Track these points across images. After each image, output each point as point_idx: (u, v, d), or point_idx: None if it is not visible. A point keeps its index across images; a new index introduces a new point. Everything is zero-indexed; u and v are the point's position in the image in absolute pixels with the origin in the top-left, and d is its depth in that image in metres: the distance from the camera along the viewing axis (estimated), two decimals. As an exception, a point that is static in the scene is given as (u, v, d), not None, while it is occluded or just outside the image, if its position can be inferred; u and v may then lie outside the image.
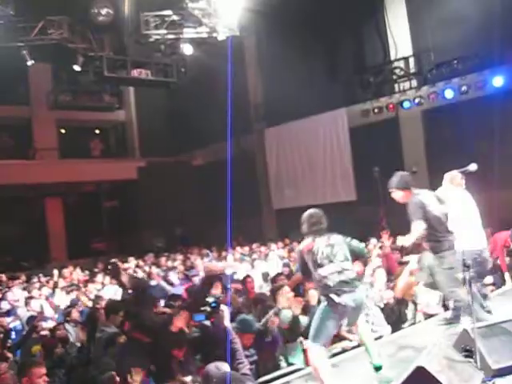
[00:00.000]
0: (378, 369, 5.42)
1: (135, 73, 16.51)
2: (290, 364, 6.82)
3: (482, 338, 5.00)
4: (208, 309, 5.63)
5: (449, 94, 16.71)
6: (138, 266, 15.89)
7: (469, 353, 4.94)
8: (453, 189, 7.20)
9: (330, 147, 19.96)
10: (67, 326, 8.71)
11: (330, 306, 5.29)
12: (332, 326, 5.37)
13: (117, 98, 24.47)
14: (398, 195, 6.48)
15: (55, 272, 15.15)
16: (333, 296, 5.25)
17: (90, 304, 10.43)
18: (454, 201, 6.98)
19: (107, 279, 13.26)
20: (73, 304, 10.37)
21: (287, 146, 21.44)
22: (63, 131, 25.02)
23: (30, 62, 16.09)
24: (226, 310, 5.44)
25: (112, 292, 11.55)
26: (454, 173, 7.17)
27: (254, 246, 17.29)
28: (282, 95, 18.70)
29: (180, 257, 17.24)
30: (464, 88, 16.39)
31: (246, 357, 6.05)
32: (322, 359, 5.31)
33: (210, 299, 5.94)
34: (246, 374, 5.10)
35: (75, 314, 9.23)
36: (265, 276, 11.73)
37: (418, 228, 6.06)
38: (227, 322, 5.12)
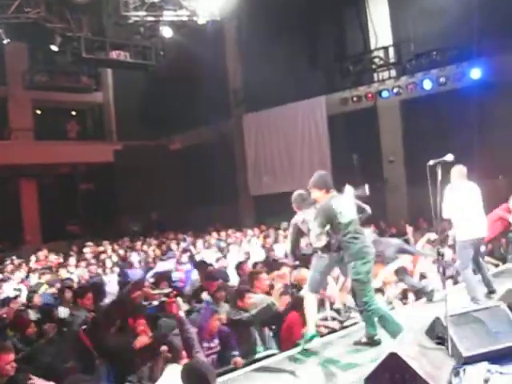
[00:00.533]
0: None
1: (113, 54, 16.30)
2: (266, 349, 6.86)
3: (454, 325, 5.07)
4: (162, 299, 5.53)
5: (427, 84, 16.81)
6: (113, 250, 15.82)
7: (441, 340, 5.02)
8: (463, 181, 7.45)
9: (308, 134, 19.99)
10: (29, 311, 8.62)
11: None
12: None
13: (94, 79, 24.14)
14: (314, 194, 6.52)
15: (32, 257, 15.01)
16: None
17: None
18: (465, 192, 7.33)
19: (82, 263, 13.21)
20: (34, 289, 10.23)
21: (266, 132, 21.43)
22: (39, 112, 24.67)
23: (5, 41, 15.83)
24: (179, 301, 5.39)
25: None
26: (460, 166, 7.35)
27: (230, 231, 17.29)
28: (261, 81, 18.63)
29: (155, 241, 17.20)
30: (442, 79, 16.50)
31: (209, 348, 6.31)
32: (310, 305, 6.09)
33: (163, 290, 6.03)
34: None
35: (37, 299, 9.14)
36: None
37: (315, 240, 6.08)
38: (181, 312, 5.09)
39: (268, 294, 7.67)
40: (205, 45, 19.86)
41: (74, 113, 26.51)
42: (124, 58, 16.65)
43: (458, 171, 7.43)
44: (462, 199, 7.26)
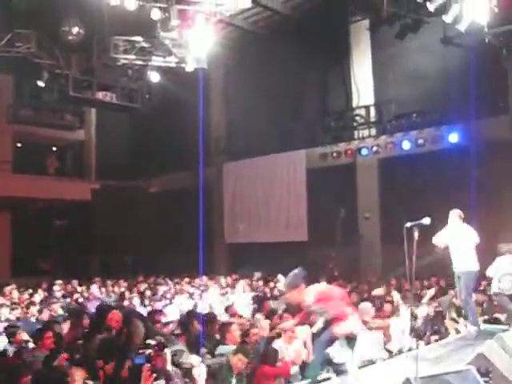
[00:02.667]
0: None
1: (100, 95, 16.49)
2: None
3: (424, 388, 5.08)
4: (149, 351, 5.38)
5: (406, 145, 17.21)
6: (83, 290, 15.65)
7: (411, 402, 5.02)
8: (460, 223, 8.65)
9: (286, 187, 20.17)
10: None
11: None
12: None
13: (78, 117, 24.24)
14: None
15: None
16: None
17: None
18: (462, 233, 8.53)
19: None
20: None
21: (245, 182, 21.57)
22: (19, 145, 24.55)
23: (-7, 73, 15.92)
24: (167, 353, 5.30)
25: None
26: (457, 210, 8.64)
27: (205, 278, 17.18)
28: (244, 131, 18.95)
29: (125, 284, 17.02)
30: (421, 141, 16.91)
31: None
32: None
33: (150, 341, 5.68)
34: None
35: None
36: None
37: None
38: (169, 366, 4.99)
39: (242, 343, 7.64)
40: (190, 91, 20.14)
41: (54, 148, 26.44)
42: (110, 99, 16.85)
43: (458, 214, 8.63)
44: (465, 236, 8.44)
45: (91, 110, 25.82)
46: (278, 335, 7.72)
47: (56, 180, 23.93)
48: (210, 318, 8.71)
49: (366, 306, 9.34)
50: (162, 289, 15.31)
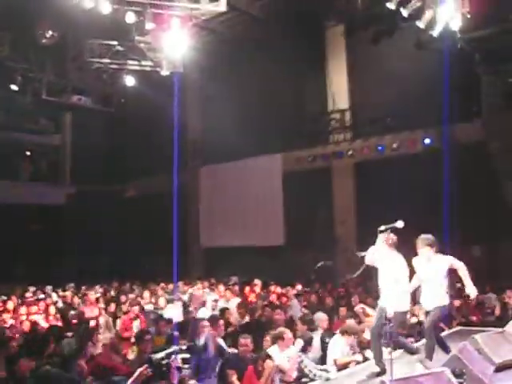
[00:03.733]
0: None
1: (75, 99, 16.35)
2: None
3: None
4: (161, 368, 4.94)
5: (380, 148, 17.33)
6: (59, 295, 15.45)
7: (385, 403, 5.04)
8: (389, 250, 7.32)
9: (262, 191, 20.17)
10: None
11: None
12: None
13: (53, 122, 23.95)
14: None
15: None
16: None
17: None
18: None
19: (23, 309, 12.77)
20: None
21: (221, 185, 21.52)
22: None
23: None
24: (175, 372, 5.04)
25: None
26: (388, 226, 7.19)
27: (180, 284, 17.07)
28: (220, 135, 18.89)
29: (100, 290, 16.85)
30: (395, 145, 17.04)
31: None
32: None
33: (158, 355, 4.99)
34: None
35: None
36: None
37: None
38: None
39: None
40: (166, 95, 20.02)
41: (28, 153, 26.07)
42: (84, 102, 16.69)
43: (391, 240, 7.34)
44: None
45: (66, 113, 25.56)
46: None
47: (30, 185, 23.62)
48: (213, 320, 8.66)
49: (321, 316, 9.46)
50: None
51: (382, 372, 6.75)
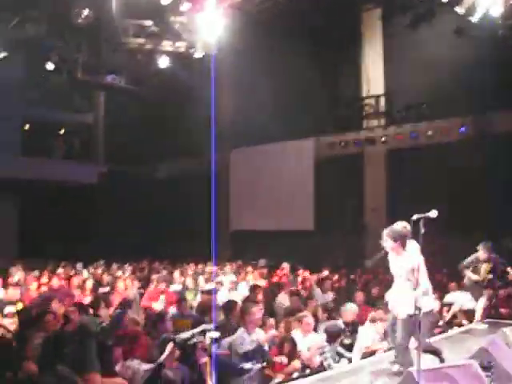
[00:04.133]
0: None
1: (108, 79, 16.40)
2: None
3: (426, 381, 5.06)
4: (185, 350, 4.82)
5: (415, 136, 17.08)
6: (89, 272, 15.64)
7: (412, 395, 4.99)
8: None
9: (293, 175, 20.10)
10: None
11: None
12: None
13: (87, 100, 24.19)
14: None
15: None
16: None
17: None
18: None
19: (55, 280, 12.94)
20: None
21: (252, 169, 21.51)
22: (27, 127, 24.52)
23: (2, 54, 15.83)
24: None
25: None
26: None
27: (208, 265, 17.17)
28: (252, 118, 18.83)
29: (130, 268, 17.01)
30: (430, 132, 16.77)
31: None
32: None
33: (183, 335, 4.89)
34: None
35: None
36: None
37: None
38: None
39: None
40: (199, 76, 19.99)
41: (61, 131, 26.41)
42: (118, 82, 16.74)
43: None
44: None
45: (100, 93, 25.77)
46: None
47: (63, 163, 23.95)
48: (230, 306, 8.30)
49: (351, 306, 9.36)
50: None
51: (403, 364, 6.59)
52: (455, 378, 5.32)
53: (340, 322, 8.62)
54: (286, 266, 15.95)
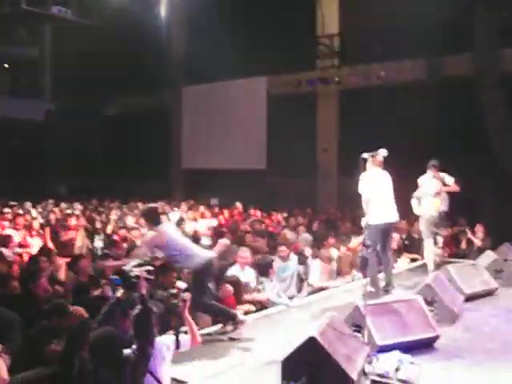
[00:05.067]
0: None
1: (55, 10, 15.68)
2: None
3: (372, 315, 5.23)
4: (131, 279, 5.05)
5: (368, 77, 17.05)
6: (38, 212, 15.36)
7: (358, 328, 5.16)
8: (373, 168, 7.47)
9: (246, 113, 19.92)
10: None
11: None
12: None
13: (32, 33, 23.12)
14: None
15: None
16: None
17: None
18: (372, 180, 7.38)
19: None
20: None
21: (204, 107, 21.19)
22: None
23: None
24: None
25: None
26: (372, 153, 7.37)
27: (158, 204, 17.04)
28: (205, 55, 18.42)
29: (80, 206, 16.77)
30: (383, 73, 16.77)
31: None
32: None
33: (127, 267, 5.01)
34: None
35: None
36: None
37: None
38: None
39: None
40: (152, 10, 19.42)
41: (6, 65, 25.36)
42: (65, 14, 16.04)
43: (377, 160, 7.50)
44: (376, 186, 7.41)
45: (46, 26, 24.70)
46: None
47: (8, 99, 23.07)
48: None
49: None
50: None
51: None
52: (401, 312, 5.52)
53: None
54: (238, 205, 16.01)
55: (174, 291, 5.31)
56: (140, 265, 4.93)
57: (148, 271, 4.84)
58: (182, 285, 5.36)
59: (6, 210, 15.04)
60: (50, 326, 4.87)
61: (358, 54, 17.55)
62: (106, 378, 3.94)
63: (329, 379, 4.19)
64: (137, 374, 4.20)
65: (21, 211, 15.03)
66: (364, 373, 4.59)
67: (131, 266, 4.86)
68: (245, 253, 7.95)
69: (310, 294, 8.25)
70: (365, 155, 7.33)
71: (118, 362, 3.97)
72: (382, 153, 7.05)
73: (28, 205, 16.30)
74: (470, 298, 7.29)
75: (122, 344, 4.03)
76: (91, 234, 11.78)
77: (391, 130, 14.56)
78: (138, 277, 4.68)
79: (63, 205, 16.84)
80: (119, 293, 4.83)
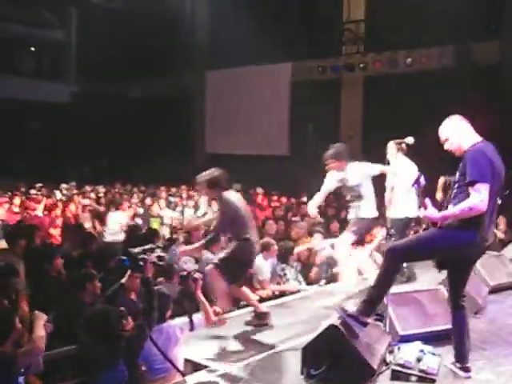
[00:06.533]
0: None
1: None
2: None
3: (394, 304, 5.17)
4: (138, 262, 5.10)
5: (394, 64, 16.84)
6: (62, 193, 15.50)
7: (380, 317, 5.10)
8: (400, 157, 7.25)
9: (270, 99, 19.83)
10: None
11: None
12: None
13: (58, 16, 23.15)
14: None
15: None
16: None
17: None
18: (401, 170, 7.12)
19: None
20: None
21: (228, 92, 21.12)
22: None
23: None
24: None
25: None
26: (398, 141, 7.17)
27: (183, 188, 17.12)
28: (229, 39, 18.31)
29: (103, 189, 16.88)
30: (409, 60, 16.54)
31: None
32: None
33: (135, 250, 4.93)
34: None
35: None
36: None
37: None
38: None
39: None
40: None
41: (32, 48, 25.45)
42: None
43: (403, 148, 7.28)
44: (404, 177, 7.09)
45: (72, 9, 24.76)
46: None
47: (33, 81, 23.20)
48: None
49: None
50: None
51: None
52: (423, 302, 5.44)
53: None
54: (260, 191, 15.97)
55: (185, 273, 5.38)
56: (151, 249, 4.90)
57: (159, 257, 4.82)
58: (190, 266, 5.41)
59: (33, 191, 15.23)
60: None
61: (383, 40, 17.36)
62: (101, 353, 3.96)
63: (349, 368, 4.15)
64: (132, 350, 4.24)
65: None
66: (385, 362, 4.54)
67: (141, 249, 4.84)
68: (275, 246, 7.94)
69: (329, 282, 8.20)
70: (390, 143, 7.22)
71: (114, 338, 3.98)
72: (408, 140, 6.92)
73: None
74: (494, 290, 7.18)
75: (118, 320, 4.04)
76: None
77: (416, 117, 14.36)
78: (144, 260, 4.68)
79: (87, 187, 16.98)
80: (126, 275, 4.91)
